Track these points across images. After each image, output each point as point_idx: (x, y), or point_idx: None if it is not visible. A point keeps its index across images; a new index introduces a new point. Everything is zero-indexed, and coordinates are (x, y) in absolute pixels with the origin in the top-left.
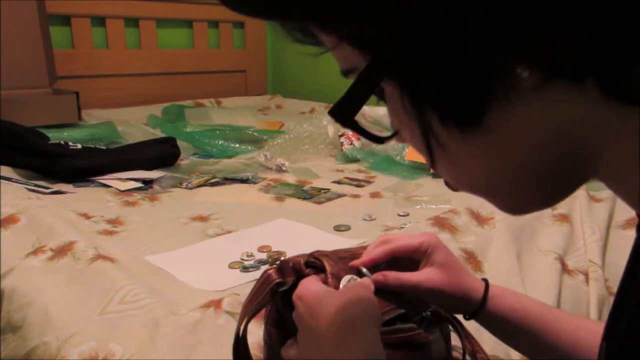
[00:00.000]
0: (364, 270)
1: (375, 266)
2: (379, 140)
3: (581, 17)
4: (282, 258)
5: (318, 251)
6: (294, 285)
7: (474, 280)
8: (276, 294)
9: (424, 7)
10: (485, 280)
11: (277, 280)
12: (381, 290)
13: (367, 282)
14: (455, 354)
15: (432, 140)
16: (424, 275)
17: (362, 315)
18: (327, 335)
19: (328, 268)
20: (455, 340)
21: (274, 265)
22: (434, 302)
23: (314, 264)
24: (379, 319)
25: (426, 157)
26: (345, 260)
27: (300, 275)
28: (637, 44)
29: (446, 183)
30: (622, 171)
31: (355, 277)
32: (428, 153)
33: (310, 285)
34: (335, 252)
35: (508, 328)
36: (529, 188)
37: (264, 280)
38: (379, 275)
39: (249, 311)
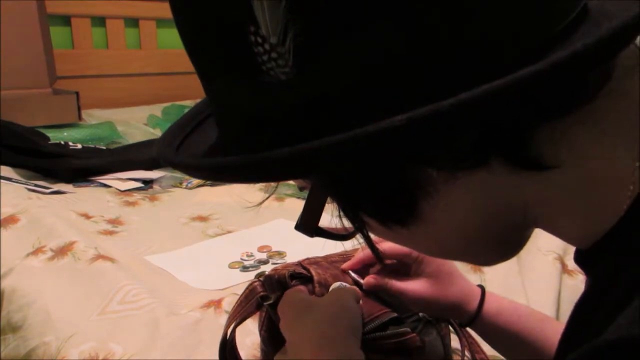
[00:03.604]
0: (353, 274)
1: (366, 267)
2: (344, 237)
3: (461, 125)
4: (267, 272)
5: (308, 259)
6: (280, 298)
7: (469, 288)
8: (261, 306)
9: (339, 165)
10: (482, 288)
11: (262, 294)
12: (374, 293)
13: (353, 288)
14: (454, 356)
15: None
16: (417, 286)
17: (338, 326)
18: (305, 349)
19: (315, 276)
20: (454, 340)
21: (260, 278)
22: (424, 312)
23: (300, 274)
24: (358, 327)
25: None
26: (337, 264)
27: (286, 288)
28: (520, 118)
29: None
30: (555, 220)
31: (344, 283)
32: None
33: (291, 299)
34: (327, 257)
35: (504, 340)
36: (485, 249)
37: (249, 292)
38: (370, 278)
39: (235, 320)
